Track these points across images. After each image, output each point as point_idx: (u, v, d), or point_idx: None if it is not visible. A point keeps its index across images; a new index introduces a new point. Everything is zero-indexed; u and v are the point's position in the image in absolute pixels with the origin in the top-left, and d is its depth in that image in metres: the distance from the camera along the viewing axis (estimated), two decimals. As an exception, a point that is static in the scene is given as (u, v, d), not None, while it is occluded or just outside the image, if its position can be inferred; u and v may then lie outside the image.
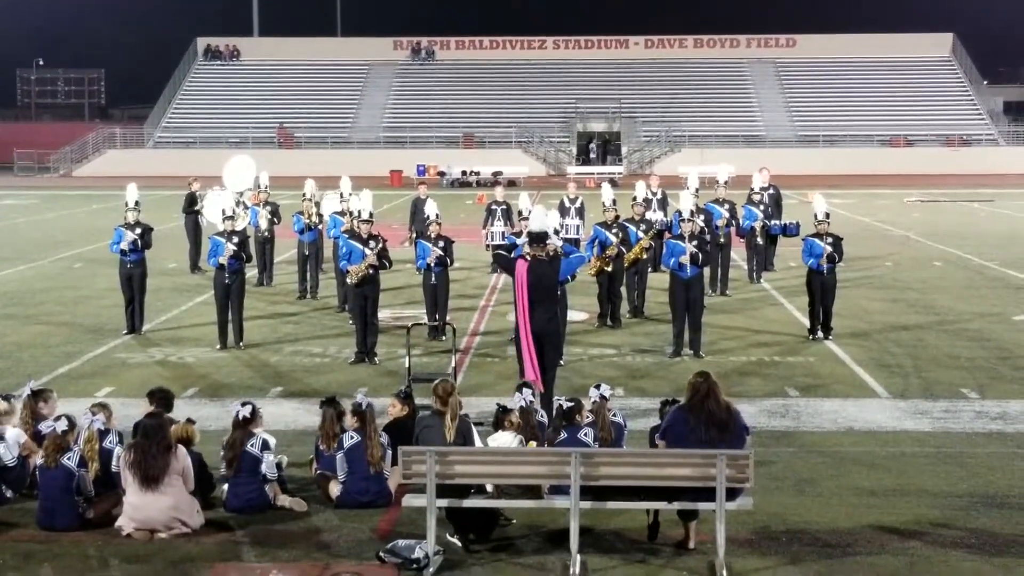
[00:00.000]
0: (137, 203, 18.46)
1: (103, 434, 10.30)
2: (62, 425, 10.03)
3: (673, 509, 9.18)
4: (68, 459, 9.89)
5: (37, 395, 11.13)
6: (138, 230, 18.16)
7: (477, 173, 60.21)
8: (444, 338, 17.06)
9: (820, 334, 17.55)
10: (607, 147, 69.61)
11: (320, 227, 22.07)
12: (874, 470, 11.31)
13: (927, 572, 8.85)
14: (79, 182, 64.16)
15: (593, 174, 61.13)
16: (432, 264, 17.48)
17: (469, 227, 29.33)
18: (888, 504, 10.30)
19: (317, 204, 22.22)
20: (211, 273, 18.32)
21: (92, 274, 25.00)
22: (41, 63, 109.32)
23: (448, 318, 17.13)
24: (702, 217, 19.56)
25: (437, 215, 18.01)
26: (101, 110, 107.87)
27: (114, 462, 10.11)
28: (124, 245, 18.04)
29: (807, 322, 18.03)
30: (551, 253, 12.82)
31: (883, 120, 71.60)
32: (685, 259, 16.26)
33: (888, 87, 74.58)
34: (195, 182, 26.28)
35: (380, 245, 16.21)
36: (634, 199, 20.24)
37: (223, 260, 17.08)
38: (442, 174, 60.42)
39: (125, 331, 18.20)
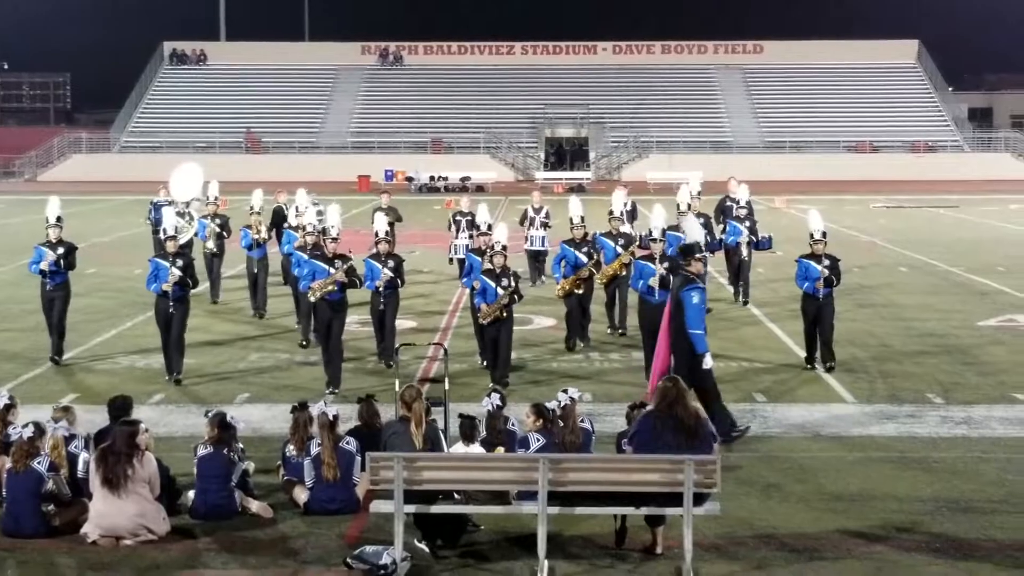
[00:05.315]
0: (59, 219, 16.80)
1: (68, 439, 10.24)
2: (29, 431, 9.94)
3: (641, 514, 9.21)
4: (38, 463, 9.80)
5: (8, 407, 10.83)
6: (60, 249, 16.47)
7: (445, 178, 60.10)
8: (392, 363, 15.45)
9: (818, 366, 15.91)
10: (575, 153, 69.63)
11: (270, 240, 20.52)
12: (840, 475, 11.37)
13: (893, 576, 8.91)
14: (44, 187, 63.35)
15: (561, 180, 61.16)
16: (382, 287, 15.98)
17: (436, 232, 29.18)
18: (854, 509, 10.37)
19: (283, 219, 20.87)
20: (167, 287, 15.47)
21: (57, 279, 24.69)
22: (6, 67, 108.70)
23: (437, 339, 16.65)
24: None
25: (387, 232, 16.42)
26: (66, 114, 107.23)
27: (80, 467, 10.06)
28: (44, 265, 16.35)
29: (801, 352, 16.56)
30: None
31: (849, 126, 71.97)
32: (654, 282, 15.00)
33: (854, 93, 74.98)
34: (163, 189, 25.83)
35: (349, 264, 15.22)
36: (611, 212, 19.05)
37: (166, 287, 15.22)
38: (410, 179, 60.34)
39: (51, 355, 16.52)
